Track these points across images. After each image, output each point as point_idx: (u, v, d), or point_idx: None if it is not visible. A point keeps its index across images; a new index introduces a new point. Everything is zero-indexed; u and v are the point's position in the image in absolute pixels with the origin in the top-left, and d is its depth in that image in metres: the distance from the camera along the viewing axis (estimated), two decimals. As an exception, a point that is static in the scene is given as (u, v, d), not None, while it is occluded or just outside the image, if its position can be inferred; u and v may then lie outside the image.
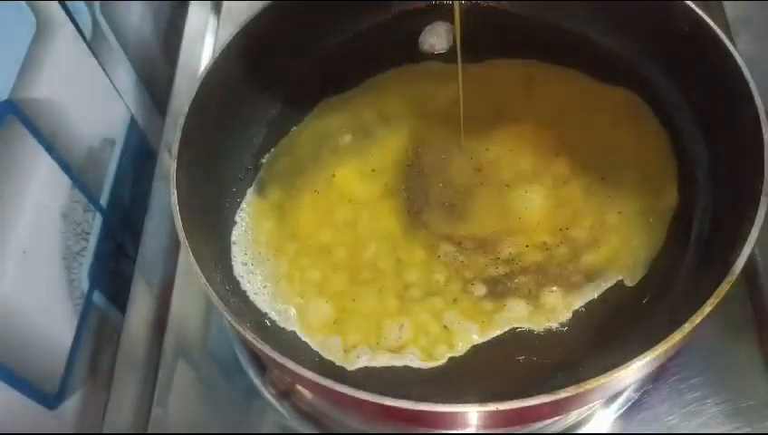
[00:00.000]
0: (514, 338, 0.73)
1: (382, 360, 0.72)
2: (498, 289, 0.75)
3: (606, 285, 0.75)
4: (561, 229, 0.79)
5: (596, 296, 0.75)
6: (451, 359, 0.72)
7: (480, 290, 0.75)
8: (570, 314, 0.74)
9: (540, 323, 0.73)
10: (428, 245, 0.79)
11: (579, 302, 0.75)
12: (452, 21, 0.93)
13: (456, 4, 0.77)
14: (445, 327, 0.73)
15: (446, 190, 0.83)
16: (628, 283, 0.75)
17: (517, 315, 0.74)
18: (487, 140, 0.85)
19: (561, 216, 0.80)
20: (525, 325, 0.73)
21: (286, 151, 0.88)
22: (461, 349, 0.72)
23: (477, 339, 0.73)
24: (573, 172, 0.82)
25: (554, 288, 0.75)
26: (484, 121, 0.86)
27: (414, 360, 0.72)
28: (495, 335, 0.73)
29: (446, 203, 0.82)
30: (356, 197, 0.83)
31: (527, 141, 0.85)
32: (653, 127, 0.84)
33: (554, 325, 0.73)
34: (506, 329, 0.73)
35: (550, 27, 0.94)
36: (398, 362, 0.72)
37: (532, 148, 0.84)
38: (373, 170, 0.84)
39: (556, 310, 0.74)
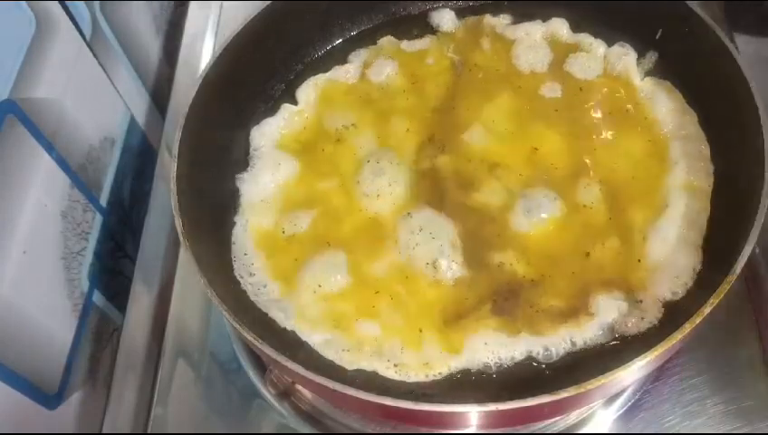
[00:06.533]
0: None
1: (382, 361, 0.72)
2: (505, 310, 0.73)
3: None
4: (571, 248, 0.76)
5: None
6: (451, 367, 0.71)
7: (487, 309, 0.73)
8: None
9: (545, 349, 0.71)
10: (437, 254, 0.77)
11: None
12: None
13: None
14: (446, 342, 0.71)
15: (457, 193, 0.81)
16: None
17: (523, 343, 0.71)
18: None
19: (573, 234, 0.77)
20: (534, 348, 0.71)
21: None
22: (461, 363, 0.70)
23: (481, 357, 0.71)
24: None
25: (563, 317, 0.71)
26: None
27: (411, 375, 0.70)
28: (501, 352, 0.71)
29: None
30: (359, 196, 0.82)
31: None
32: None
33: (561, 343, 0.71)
34: (515, 352, 0.71)
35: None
36: (395, 373, 0.71)
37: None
38: (378, 163, 0.83)
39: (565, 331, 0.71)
